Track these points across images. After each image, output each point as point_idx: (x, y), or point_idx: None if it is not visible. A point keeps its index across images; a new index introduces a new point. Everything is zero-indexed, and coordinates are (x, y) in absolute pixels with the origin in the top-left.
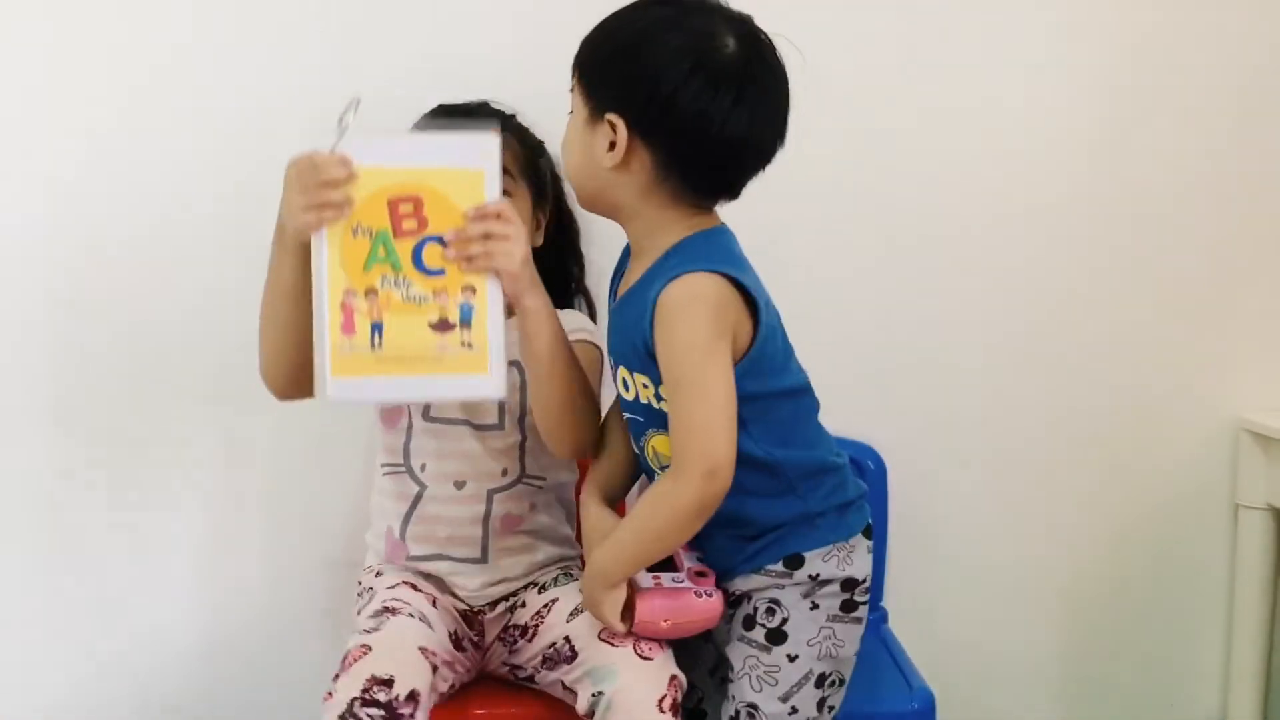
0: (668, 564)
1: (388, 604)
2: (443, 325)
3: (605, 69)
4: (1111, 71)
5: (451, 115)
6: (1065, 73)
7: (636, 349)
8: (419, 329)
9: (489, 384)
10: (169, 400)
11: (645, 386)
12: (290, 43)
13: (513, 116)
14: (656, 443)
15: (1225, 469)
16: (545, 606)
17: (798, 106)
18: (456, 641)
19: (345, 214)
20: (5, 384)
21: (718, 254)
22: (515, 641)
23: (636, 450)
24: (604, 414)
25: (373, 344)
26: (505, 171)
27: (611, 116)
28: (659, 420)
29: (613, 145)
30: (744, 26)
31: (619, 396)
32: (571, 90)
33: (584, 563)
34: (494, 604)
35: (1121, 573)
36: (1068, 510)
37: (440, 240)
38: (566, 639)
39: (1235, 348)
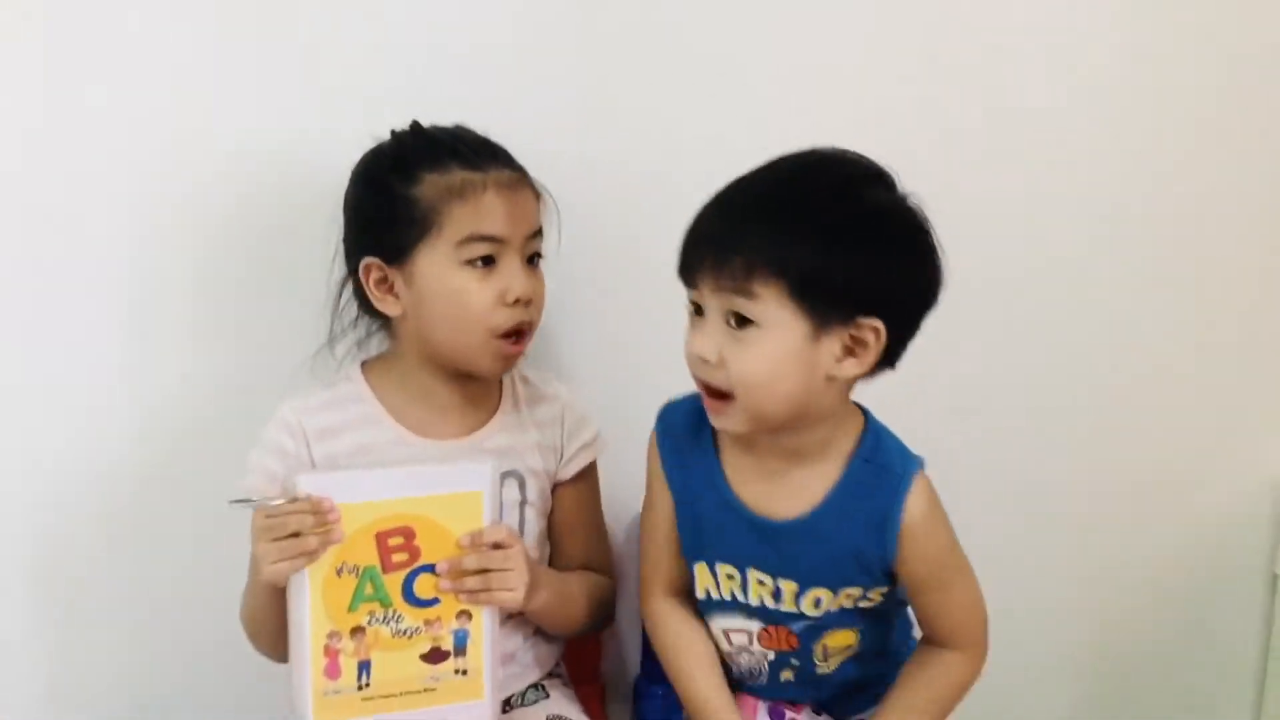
0: None
1: None
2: (435, 655)
3: (845, 275)
4: (1147, 96)
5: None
6: (1111, 110)
7: (851, 570)
8: (410, 663)
9: (483, 709)
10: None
11: (849, 598)
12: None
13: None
14: (830, 640)
15: (1265, 534)
16: None
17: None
18: None
19: (318, 558)
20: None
21: (898, 442)
22: None
23: (793, 647)
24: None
25: (359, 684)
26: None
27: (869, 321)
28: (841, 619)
29: (850, 352)
30: (888, 176)
31: (746, 607)
32: (757, 300)
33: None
34: None
35: (1144, 639)
36: (1092, 570)
37: (433, 569)
38: None
39: (1277, 403)
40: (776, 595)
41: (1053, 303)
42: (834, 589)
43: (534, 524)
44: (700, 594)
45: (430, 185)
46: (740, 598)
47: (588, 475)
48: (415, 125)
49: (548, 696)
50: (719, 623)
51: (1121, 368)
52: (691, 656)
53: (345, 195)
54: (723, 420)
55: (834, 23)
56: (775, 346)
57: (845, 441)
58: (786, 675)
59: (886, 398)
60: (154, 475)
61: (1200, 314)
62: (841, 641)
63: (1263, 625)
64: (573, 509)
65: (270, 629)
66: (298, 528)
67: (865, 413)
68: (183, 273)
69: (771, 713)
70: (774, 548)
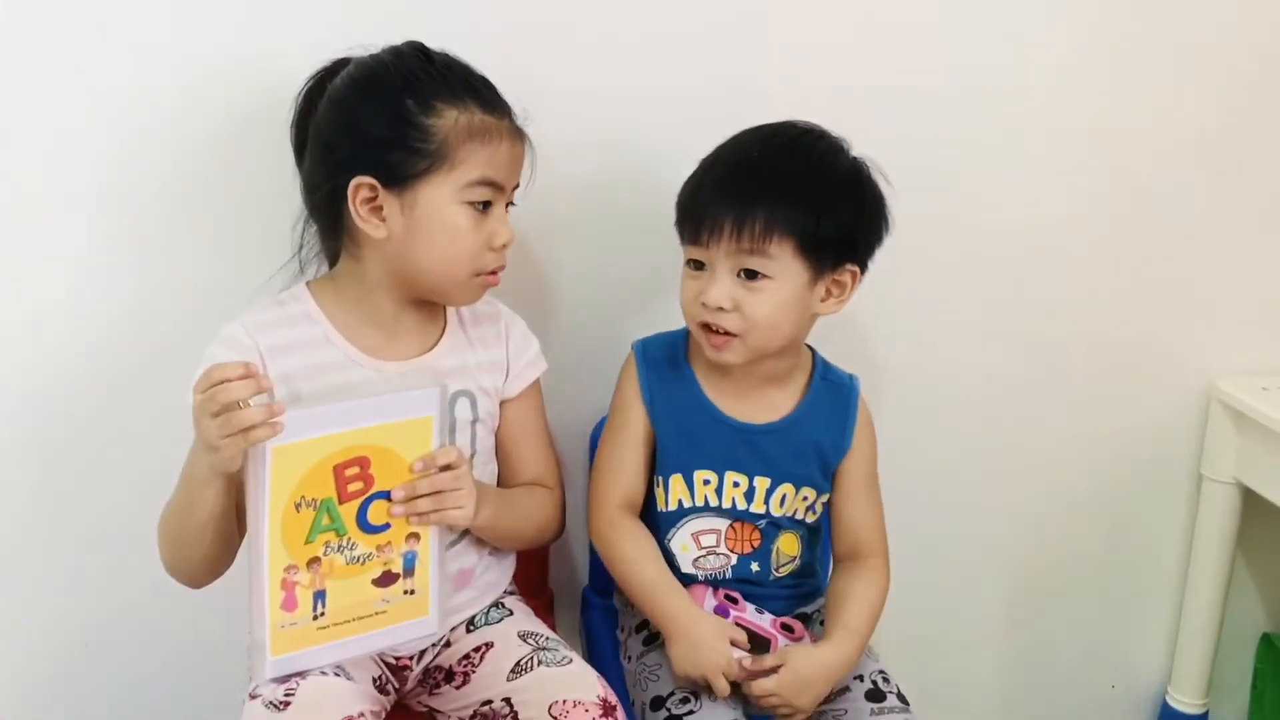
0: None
1: None
2: (386, 579)
3: (838, 231)
4: (1096, 37)
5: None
6: (1051, 40)
7: (814, 466)
8: (362, 589)
9: (429, 624)
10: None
11: (805, 499)
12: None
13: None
14: (782, 543)
15: (1192, 436)
16: (476, 651)
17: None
18: (380, 687)
19: (273, 432)
20: None
21: (835, 366)
22: (438, 685)
23: (754, 548)
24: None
25: (315, 614)
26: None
27: (851, 267)
28: (791, 524)
29: (829, 294)
30: (844, 140)
31: (718, 509)
32: (771, 258)
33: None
34: (423, 651)
35: (1073, 537)
36: (1025, 470)
37: (386, 496)
38: (507, 701)
39: (1212, 313)
40: (749, 495)
41: (987, 211)
42: (797, 486)
43: (484, 441)
44: (671, 505)
45: (450, 120)
46: (713, 501)
47: (533, 390)
48: (421, 48)
49: (511, 614)
50: (690, 527)
51: (1056, 273)
52: (640, 549)
53: (337, 107)
54: (724, 354)
55: None
56: (784, 294)
57: (804, 367)
58: (746, 581)
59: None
60: (102, 393)
61: (1134, 220)
62: (789, 548)
63: (1187, 524)
64: (520, 424)
65: (198, 544)
66: (230, 397)
67: (809, 345)
68: (142, 187)
69: (718, 609)
70: (753, 448)
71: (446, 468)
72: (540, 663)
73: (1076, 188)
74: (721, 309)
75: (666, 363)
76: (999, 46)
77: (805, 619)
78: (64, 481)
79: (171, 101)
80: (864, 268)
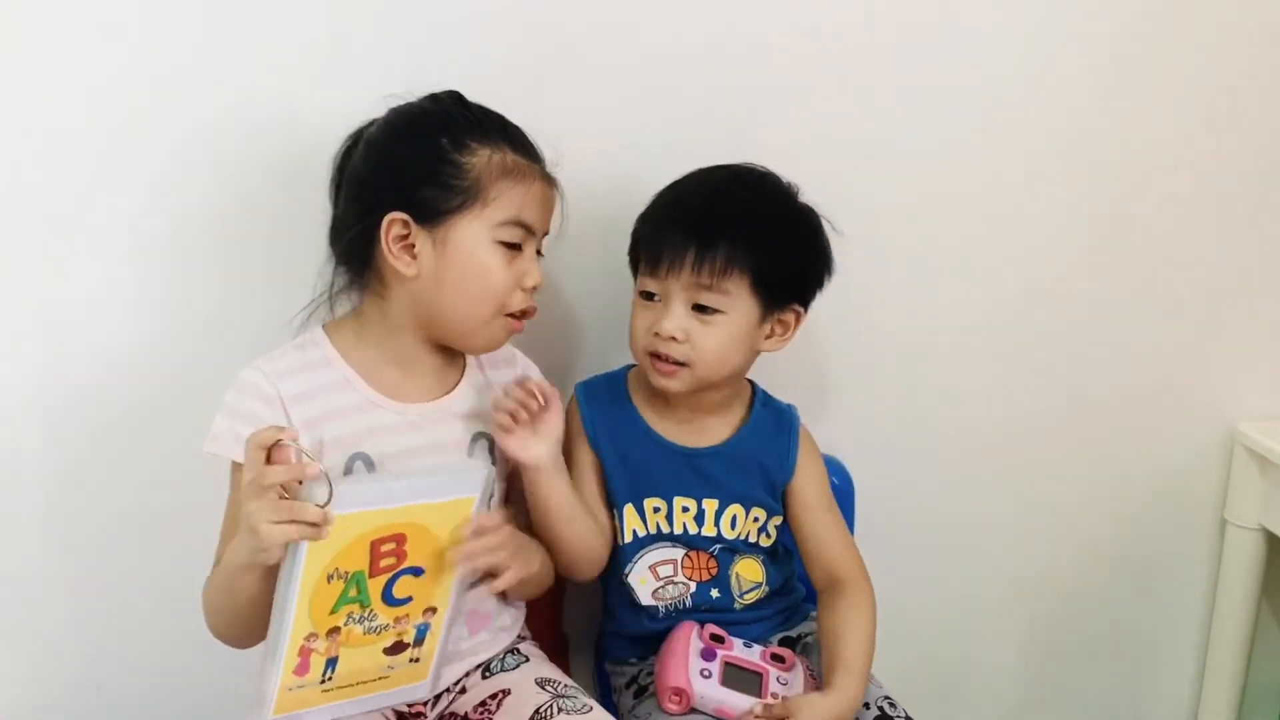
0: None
1: None
2: (397, 648)
3: (791, 271)
4: (1108, 67)
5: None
6: (1059, 66)
7: (759, 486)
8: (373, 656)
9: (423, 688)
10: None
11: (756, 520)
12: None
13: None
14: (741, 568)
15: (1216, 482)
16: (493, 698)
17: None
18: None
19: (319, 536)
20: None
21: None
22: None
23: (712, 574)
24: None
25: (323, 679)
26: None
27: (796, 307)
28: (747, 548)
29: (773, 333)
30: (794, 186)
31: (671, 536)
32: (727, 294)
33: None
34: (437, 697)
35: (1095, 584)
36: (1048, 513)
37: (414, 571)
38: None
39: (1236, 356)
40: (699, 519)
41: (1011, 252)
42: (746, 506)
43: (498, 483)
44: (627, 538)
45: (484, 158)
46: (665, 529)
47: None
48: (458, 95)
49: (527, 660)
50: (646, 559)
51: (1075, 318)
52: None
53: (372, 148)
54: (670, 382)
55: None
56: (734, 329)
57: (743, 397)
58: (709, 610)
59: (816, 351)
60: (119, 424)
61: (1156, 263)
62: (750, 574)
63: (1211, 571)
64: None
65: (243, 609)
66: (284, 478)
67: (749, 380)
68: (169, 220)
69: (705, 651)
70: (697, 471)
71: (495, 531)
72: (560, 710)
73: (1095, 231)
74: (674, 339)
75: (607, 397)
76: (1007, 87)
77: (791, 643)
78: (79, 505)
79: (208, 139)
80: (807, 308)
